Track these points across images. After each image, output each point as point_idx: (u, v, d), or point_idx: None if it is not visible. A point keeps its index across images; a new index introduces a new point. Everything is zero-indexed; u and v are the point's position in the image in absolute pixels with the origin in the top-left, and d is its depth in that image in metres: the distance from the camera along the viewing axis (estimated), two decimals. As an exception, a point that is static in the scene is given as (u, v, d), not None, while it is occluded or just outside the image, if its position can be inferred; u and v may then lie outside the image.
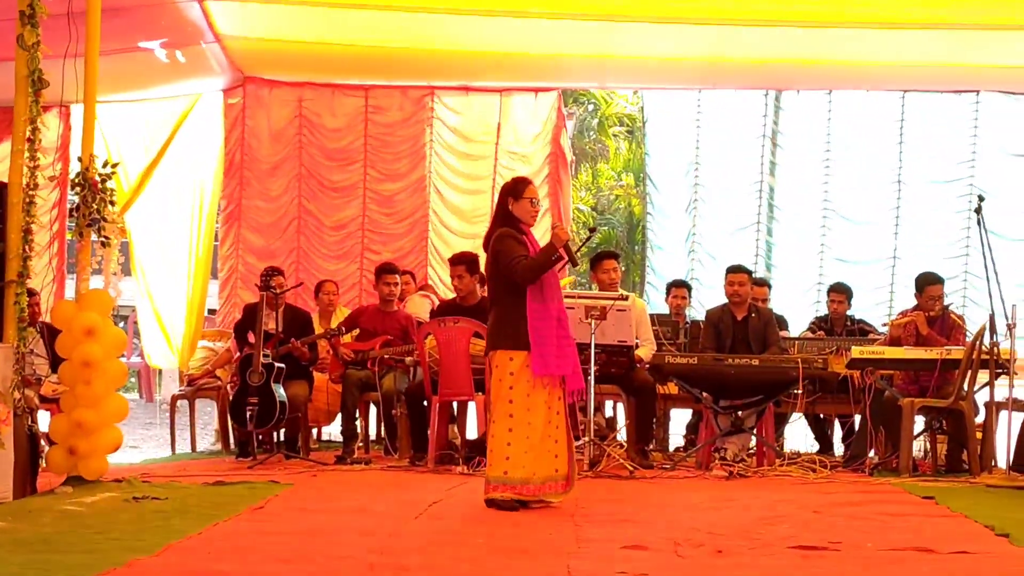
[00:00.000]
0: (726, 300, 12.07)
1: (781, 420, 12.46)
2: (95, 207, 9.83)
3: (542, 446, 8.31)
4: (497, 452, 8.32)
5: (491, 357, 8.55)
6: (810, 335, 13.05)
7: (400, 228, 16.02)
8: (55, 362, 11.03)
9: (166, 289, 15.52)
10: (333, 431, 14.17)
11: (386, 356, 12.16)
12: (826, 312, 13.62)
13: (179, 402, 13.96)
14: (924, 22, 13.75)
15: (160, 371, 23.00)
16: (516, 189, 8.68)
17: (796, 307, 15.26)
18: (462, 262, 11.90)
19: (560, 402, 8.42)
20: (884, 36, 14.12)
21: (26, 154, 9.26)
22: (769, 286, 14.30)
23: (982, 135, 15.74)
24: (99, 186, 9.89)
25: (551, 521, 7.62)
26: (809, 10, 13.53)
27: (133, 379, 26.63)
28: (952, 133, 15.85)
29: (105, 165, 10.02)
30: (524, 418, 8.29)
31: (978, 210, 10.98)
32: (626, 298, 11.33)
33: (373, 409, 13.04)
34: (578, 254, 9.35)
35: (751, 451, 11.70)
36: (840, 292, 13.26)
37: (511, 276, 8.41)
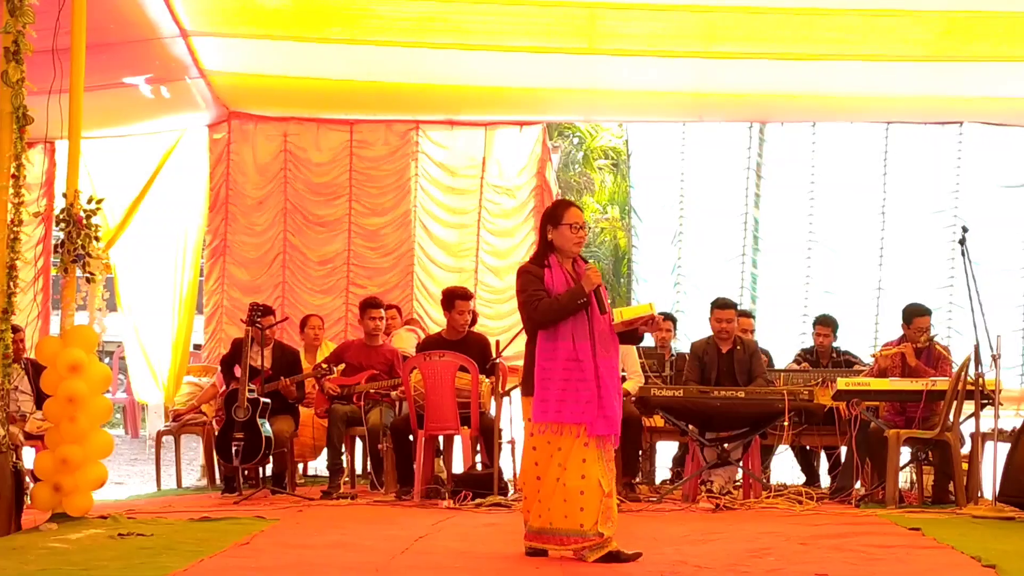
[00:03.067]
0: (711, 332, 12.08)
1: (767, 452, 12.46)
2: (80, 243, 9.81)
3: (555, 496, 7.55)
4: (532, 500, 7.67)
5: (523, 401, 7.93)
6: (795, 367, 13.06)
7: (386, 262, 16.01)
8: (40, 398, 11.01)
9: (152, 324, 15.47)
10: (319, 466, 14.14)
11: (372, 390, 12.15)
12: (811, 344, 13.63)
13: (164, 438, 13.93)
14: (907, 55, 13.80)
15: (146, 406, 22.95)
16: (555, 215, 7.87)
17: (781, 339, 15.27)
18: (467, 297, 12.00)
19: (587, 449, 7.56)
20: (867, 68, 14.16)
21: (10, 190, 9.25)
22: (753, 317, 14.32)
23: (966, 166, 15.79)
24: (84, 222, 9.88)
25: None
26: (792, 43, 13.56)
27: (118, 415, 26.55)
28: (936, 164, 15.90)
29: (90, 201, 10.01)
30: (551, 466, 7.55)
31: (963, 241, 11.00)
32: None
33: (359, 443, 13.04)
34: None
35: (738, 483, 11.70)
36: (826, 325, 13.29)
37: (525, 316, 7.79)
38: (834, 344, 13.33)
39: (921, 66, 14.10)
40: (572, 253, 7.86)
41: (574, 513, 7.50)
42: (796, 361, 13.36)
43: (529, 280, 7.74)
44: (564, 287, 7.69)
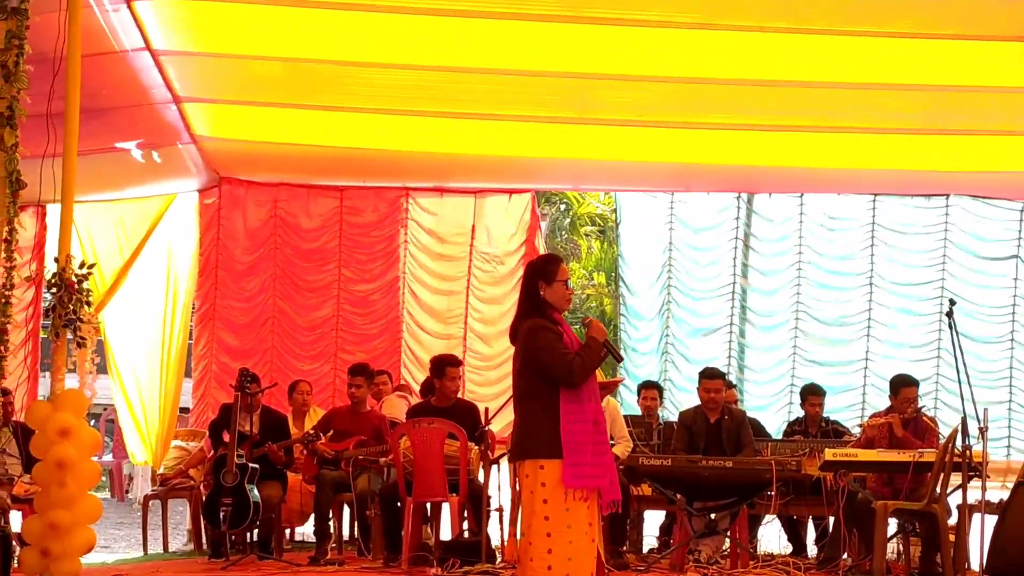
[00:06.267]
0: (699, 402, 12.11)
1: (755, 522, 12.46)
2: (72, 308, 9.81)
3: (587, 569, 7.17)
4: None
5: (518, 466, 7.48)
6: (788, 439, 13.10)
7: (374, 328, 16.05)
8: (28, 462, 10.99)
9: (140, 387, 15.46)
10: (306, 531, 14.09)
11: (360, 456, 12.15)
12: (800, 414, 13.65)
13: (152, 502, 13.90)
14: (894, 126, 13.91)
15: (132, 469, 22.89)
16: (546, 271, 7.47)
17: (768, 409, 15.31)
18: (457, 364, 12.07)
19: (593, 514, 7.23)
20: (855, 140, 14.28)
21: (3, 254, 9.26)
22: (736, 387, 14.38)
23: (952, 239, 15.89)
24: (76, 287, 9.88)
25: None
26: (780, 115, 13.68)
27: (104, 478, 26.44)
28: (922, 236, 16.01)
29: (82, 266, 10.02)
30: (564, 536, 7.12)
31: (950, 313, 11.05)
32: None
33: (347, 509, 13.01)
34: None
35: (725, 553, 11.69)
36: (819, 394, 13.30)
37: (558, 376, 7.22)
38: (823, 414, 13.36)
39: (908, 138, 14.22)
40: (563, 311, 7.57)
41: None
42: (786, 434, 13.39)
43: (551, 337, 7.31)
44: (574, 345, 7.37)
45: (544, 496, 7.16)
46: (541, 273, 7.47)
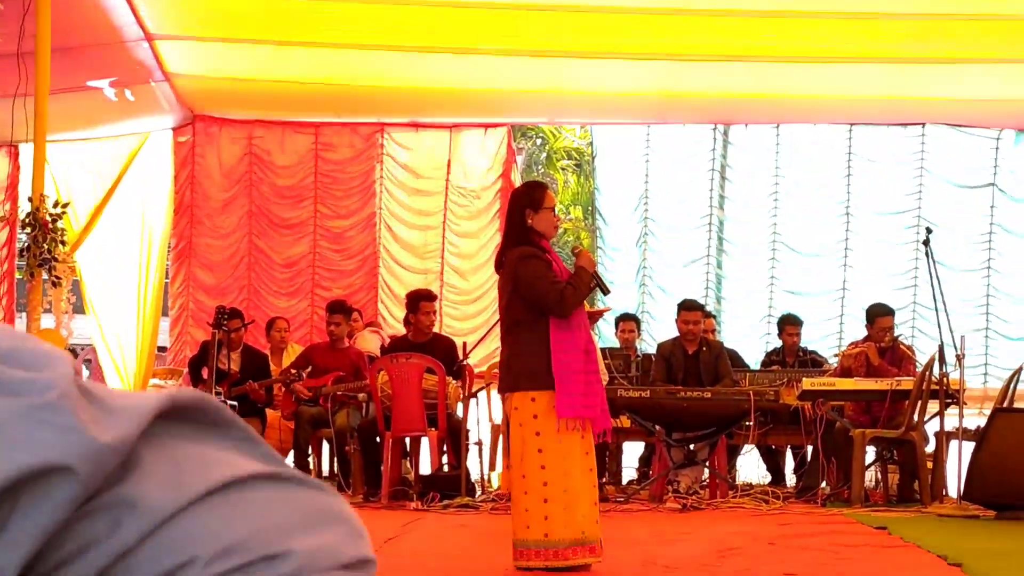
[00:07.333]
0: (677, 334, 12.12)
1: (733, 452, 12.51)
2: (46, 247, 9.80)
3: (587, 498, 7.03)
4: (534, 511, 6.97)
5: (507, 398, 7.34)
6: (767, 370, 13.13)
7: (351, 264, 16.03)
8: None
9: (118, 327, 15.44)
10: (286, 468, 14.10)
11: (339, 392, 12.14)
12: (777, 345, 13.68)
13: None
14: (870, 56, 13.90)
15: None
16: (534, 198, 7.27)
17: (746, 340, 15.33)
18: (432, 299, 12.07)
19: (587, 444, 7.10)
20: (830, 70, 14.27)
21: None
22: (715, 317, 14.39)
23: (928, 167, 15.89)
24: (50, 226, 9.86)
25: (508, 559, 7.56)
26: (756, 45, 13.65)
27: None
28: (899, 165, 16.01)
29: (56, 205, 10.00)
30: (560, 467, 6.97)
31: (926, 242, 11.06)
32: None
33: (326, 446, 13.01)
34: None
35: (704, 483, 11.74)
36: (796, 324, 13.31)
37: (549, 305, 7.05)
38: (800, 344, 13.38)
39: (884, 67, 14.21)
40: (550, 238, 7.42)
41: (574, 520, 6.97)
42: (765, 364, 13.42)
43: (541, 266, 7.10)
44: (563, 274, 7.21)
45: (536, 428, 7.01)
46: (528, 200, 7.28)
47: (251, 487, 1.38)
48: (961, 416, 10.72)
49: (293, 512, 1.42)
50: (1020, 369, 11.72)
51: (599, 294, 7.87)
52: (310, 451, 12.37)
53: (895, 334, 11.88)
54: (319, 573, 1.39)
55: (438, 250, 15.97)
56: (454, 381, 11.48)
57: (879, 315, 11.74)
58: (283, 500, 1.42)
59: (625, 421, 12.21)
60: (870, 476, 11.95)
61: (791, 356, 13.22)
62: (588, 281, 7.21)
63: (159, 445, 1.35)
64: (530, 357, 7.08)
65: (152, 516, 1.30)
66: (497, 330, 8.04)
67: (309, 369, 12.48)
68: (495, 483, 11.96)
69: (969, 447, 10.45)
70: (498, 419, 12.14)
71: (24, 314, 10.37)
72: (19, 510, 1.22)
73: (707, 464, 11.56)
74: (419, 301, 11.90)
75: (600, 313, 12.63)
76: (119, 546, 1.28)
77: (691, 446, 11.44)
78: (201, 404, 1.41)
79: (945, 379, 10.68)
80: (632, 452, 13.84)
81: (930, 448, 11.25)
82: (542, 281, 7.04)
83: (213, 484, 1.35)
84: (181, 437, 1.39)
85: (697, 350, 11.96)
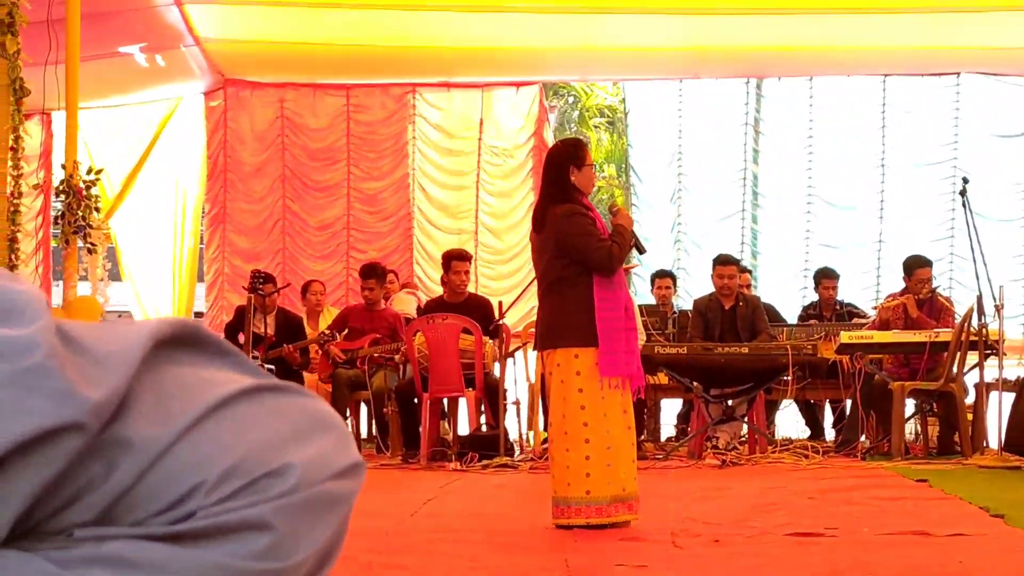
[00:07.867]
0: (713, 289, 12.08)
1: (772, 407, 12.50)
2: (80, 214, 9.82)
3: (626, 455, 7.00)
4: (575, 469, 6.92)
5: (548, 356, 7.19)
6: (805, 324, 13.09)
7: (385, 226, 16.03)
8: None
9: (154, 293, 15.51)
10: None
11: (376, 354, 12.14)
12: (814, 298, 13.64)
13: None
14: (903, 6, 13.79)
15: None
16: (577, 155, 7.18)
17: (783, 294, 15.28)
18: (464, 258, 12.00)
19: (626, 400, 7.04)
20: (863, 21, 14.16)
21: (9, 163, 9.25)
22: (750, 272, 14.35)
23: (964, 117, 15.79)
24: (84, 193, 9.88)
25: (547, 517, 7.56)
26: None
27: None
28: (934, 116, 15.92)
29: (89, 172, 10.01)
30: (601, 425, 6.91)
31: (963, 192, 10.98)
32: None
33: (364, 408, 13.03)
34: None
35: (743, 439, 11.73)
36: (832, 278, 13.26)
37: (596, 262, 6.96)
38: (837, 297, 13.33)
39: (917, 17, 14.10)
40: (588, 194, 7.34)
41: (615, 477, 6.92)
42: (802, 318, 13.37)
43: (587, 222, 7.02)
44: (605, 232, 7.12)
45: (579, 385, 6.94)
46: (572, 157, 7.17)
47: (237, 404, 1.41)
48: (1001, 367, 10.66)
49: (283, 424, 1.43)
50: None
51: (634, 252, 7.82)
52: (348, 414, 12.38)
53: (933, 285, 11.81)
54: (317, 484, 1.41)
55: (472, 210, 15.95)
56: (491, 341, 11.47)
57: (917, 267, 11.67)
58: (271, 412, 1.43)
59: (663, 378, 12.19)
60: (910, 429, 11.92)
61: (828, 310, 13.17)
62: (629, 239, 7.15)
63: (149, 376, 1.36)
64: (573, 314, 7.01)
65: (147, 453, 1.31)
66: (533, 289, 8.03)
67: (346, 331, 12.49)
68: (532, 442, 11.95)
69: (1009, 398, 10.42)
70: (535, 378, 12.11)
71: (60, 282, 10.39)
72: (12, 470, 1.22)
73: (745, 420, 11.54)
74: (451, 260, 11.89)
75: (628, 270, 12.60)
76: (117, 486, 1.30)
77: (729, 402, 11.41)
78: (190, 328, 1.43)
79: (984, 330, 10.62)
80: (670, 409, 13.83)
81: (970, 399, 11.20)
82: (590, 238, 6.97)
83: (202, 410, 1.37)
84: (173, 361, 1.40)
85: (733, 305, 11.91)
